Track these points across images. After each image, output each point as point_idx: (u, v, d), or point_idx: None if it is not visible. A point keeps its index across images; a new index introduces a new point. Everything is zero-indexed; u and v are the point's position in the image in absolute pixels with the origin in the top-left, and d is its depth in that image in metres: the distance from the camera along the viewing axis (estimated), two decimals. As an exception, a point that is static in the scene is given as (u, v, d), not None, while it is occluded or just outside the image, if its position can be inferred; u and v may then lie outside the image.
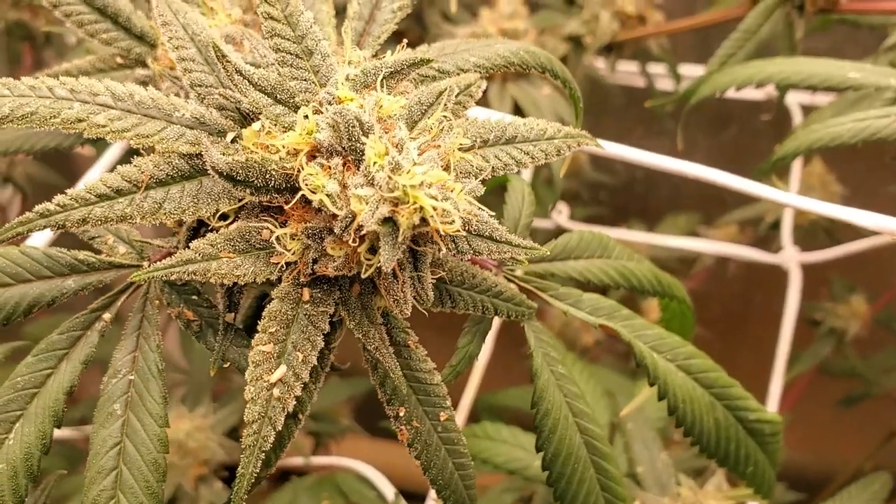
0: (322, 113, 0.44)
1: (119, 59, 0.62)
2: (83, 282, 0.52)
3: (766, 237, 1.50)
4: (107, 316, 0.52)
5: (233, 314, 0.52)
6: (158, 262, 0.45)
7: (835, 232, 1.45)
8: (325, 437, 1.40)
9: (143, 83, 0.61)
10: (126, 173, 0.45)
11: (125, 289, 0.52)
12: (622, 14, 1.15)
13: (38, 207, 0.44)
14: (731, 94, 1.06)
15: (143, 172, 0.45)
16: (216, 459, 1.17)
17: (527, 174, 1.29)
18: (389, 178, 0.40)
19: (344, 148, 0.43)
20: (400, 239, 0.41)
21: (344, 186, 0.43)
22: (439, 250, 0.48)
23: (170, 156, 0.46)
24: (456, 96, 0.54)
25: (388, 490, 1.05)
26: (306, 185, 0.42)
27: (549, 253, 0.66)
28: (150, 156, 0.46)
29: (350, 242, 0.43)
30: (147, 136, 0.45)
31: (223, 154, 0.47)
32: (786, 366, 1.26)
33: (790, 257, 1.29)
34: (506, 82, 1.10)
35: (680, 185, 2.27)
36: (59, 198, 0.44)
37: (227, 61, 0.44)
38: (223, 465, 1.20)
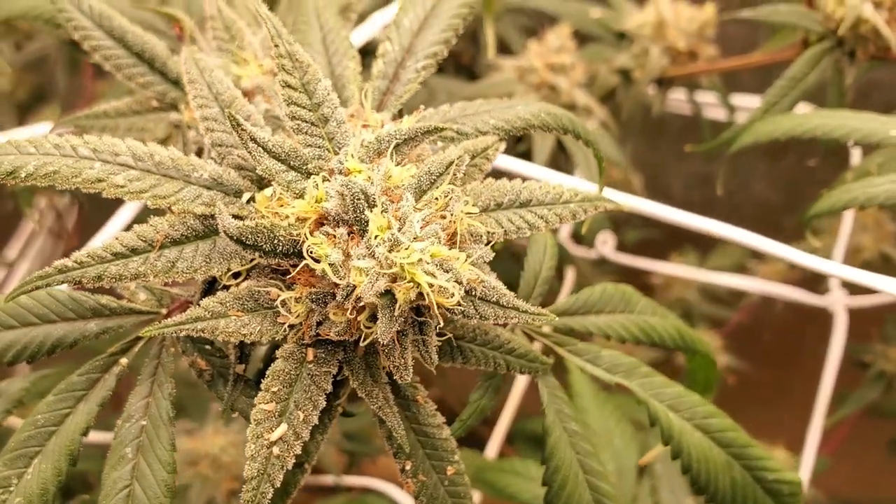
0: (331, 182, 0.45)
1: (155, 103, 0.64)
2: (104, 325, 0.54)
3: (816, 275, 1.47)
4: (124, 360, 0.54)
5: (243, 365, 0.53)
6: (169, 319, 0.46)
7: (889, 274, 1.41)
8: (359, 456, 1.42)
9: (177, 126, 0.63)
10: (142, 232, 0.47)
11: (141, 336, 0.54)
12: (672, 49, 1.14)
13: (56, 263, 0.46)
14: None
15: (158, 232, 0.47)
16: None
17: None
18: (387, 254, 0.41)
19: (349, 218, 0.44)
20: (397, 312, 0.42)
21: (347, 256, 0.44)
22: (449, 315, 0.49)
23: (185, 216, 0.48)
24: (472, 159, 0.55)
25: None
26: (310, 253, 0.43)
27: (568, 307, 0.66)
28: (167, 215, 0.48)
29: (350, 311, 0.44)
30: (164, 197, 0.47)
31: (237, 214, 0.48)
32: (827, 408, 1.23)
33: (836, 300, 1.26)
34: (549, 116, 1.09)
35: (739, 207, 2.24)
36: (76, 255, 0.46)
37: (242, 129, 0.45)
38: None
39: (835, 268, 0.70)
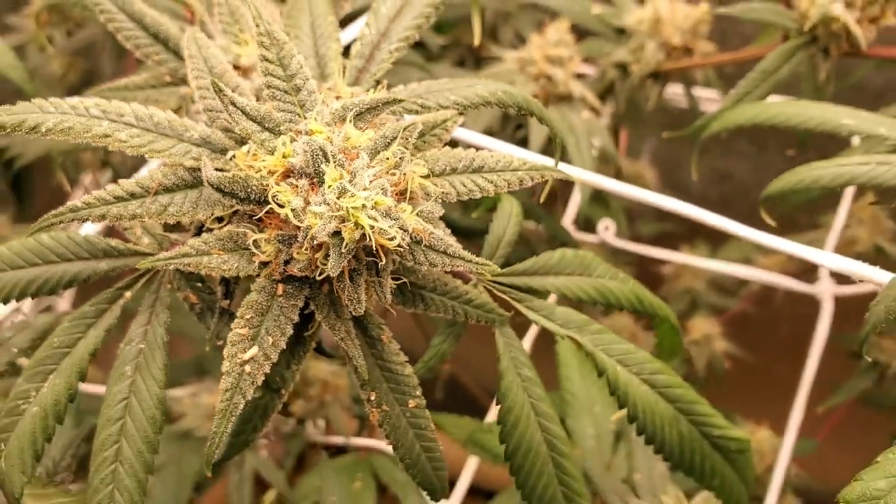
0: (298, 141, 0.54)
1: (168, 78, 0.73)
2: (113, 264, 0.63)
3: (814, 267, 1.52)
4: (128, 294, 0.63)
5: (228, 301, 0.62)
6: (161, 254, 0.55)
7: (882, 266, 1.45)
8: (367, 420, 1.51)
9: (185, 98, 0.72)
10: (140, 180, 0.56)
11: (145, 273, 0.63)
12: (668, 45, 1.21)
13: (68, 203, 0.55)
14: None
15: (153, 180, 0.55)
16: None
17: (576, 193, 1.35)
18: (336, 200, 0.49)
19: (310, 172, 0.53)
20: (344, 250, 0.50)
21: (307, 203, 0.52)
22: (401, 260, 0.57)
23: (177, 168, 0.56)
24: (432, 129, 0.63)
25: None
26: (275, 200, 0.52)
27: (528, 267, 0.74)
28: (162, 167, 0.56)
29: (309, 250, 0.52)
30: (160, 151, 0.56)
31: (221, 168, 0.57)
32: (811, 393, 1.28)
33: (825, 289, 1.31)
34: (547, 105, 1.17)
35: (757, 203, 2.28)
36: (85, 197, 0.55)
37: (223, 94, 0.54)
38: (267, 436, 1.32)
39: (819, 256, 0.76)
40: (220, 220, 0.58)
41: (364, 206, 0.49)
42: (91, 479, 0.59)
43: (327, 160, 0.52)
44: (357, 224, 0.49)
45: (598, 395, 1.14)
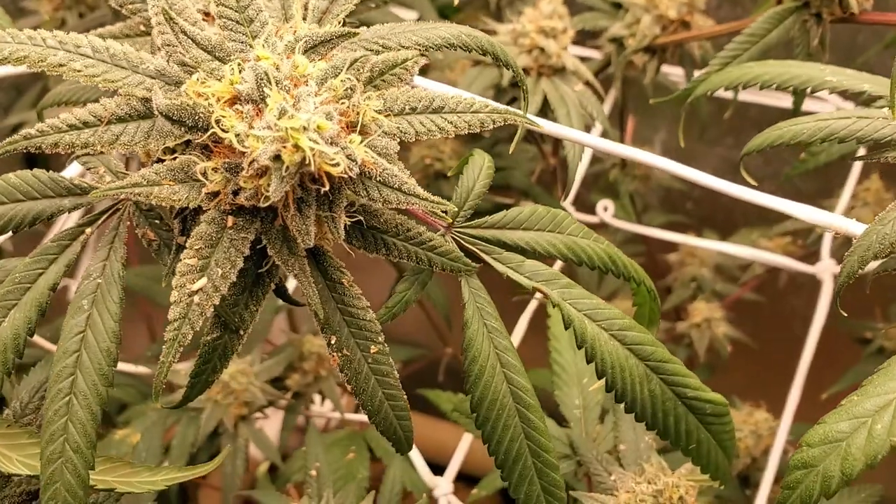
0: (246, 69, 0.54)
1: (142, 27, 0.74)
2: (76, 202, 0.64)
3: (815, 252, 1.50)
4: (88, 230, 0.63)
5: (184, 237, 0.62)
6: (113, 184, 0.55)
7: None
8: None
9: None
10: (93, 109, 0.56)
11: (106, 210, 0.63)
12: (664, 18, 1.20)
13: (22, 131, 0.55)
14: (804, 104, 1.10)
15: (106, 110, 0.56)
16: (257, 403, 1.29)
17: (578, 175, 1.33)
18: (276, 122, 0.49)
19: (256, 97, 0.53)
20: (285, 173, 0.50)
21: (252, 128, 0.52)
22: (354, 194, 0.57)
23: (130, 98, 0.57)
24: (392, 69, 0.63)
25: (414, 451, 1.13)
26: (219, 125, 0.52)
27: (497, 220, 0.73)
28: (115, 97, 0.57)
29: (253, 176, 0.52)
30: (113, 81, 0.56)
31: (170, 99, 0.57)
32: (807, 375, 1.27)
33: (825, 268, 1.29)
34: (540, 77, 1.16)
35: (771, 195, 2.25)
36: (38, 125, 0.55)
37: (174, 22, 0.54)
38: (263, 409, 1.33)
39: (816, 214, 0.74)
40: (172, 151, 0.58)
41: (305, 128, 0.49)
42: (45, 409, 0.59)
43: (271, 84, 0.52)
44: (297, 147, 0.49)
45: (587, 369, 1.13)
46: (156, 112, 0.54)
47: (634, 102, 1.65)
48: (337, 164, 0.51)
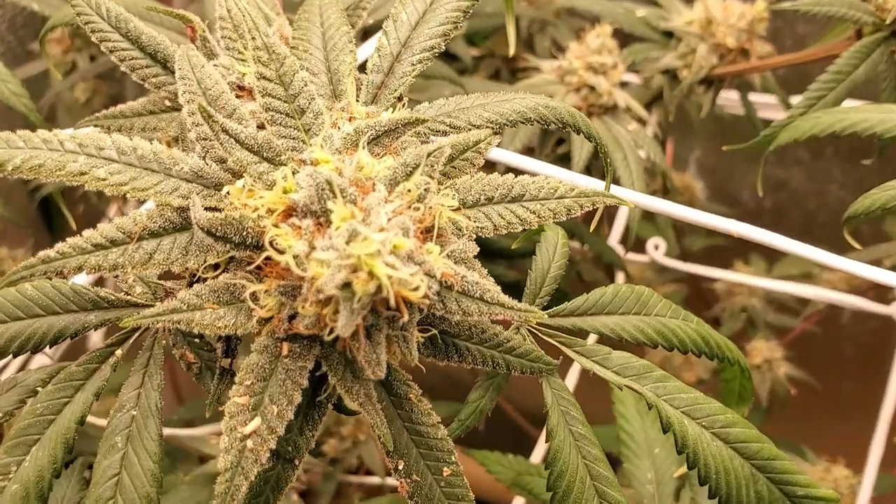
0: (301, 172, 0.45)
1: (168, 102, 0.65)
2: (103, 317, 0.55)
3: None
4: (119, 352, 0.54)
5: (229, 359, 0.53)
6: (147, 310, 0.47)
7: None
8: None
9: (187, 125, 0.64)
10: (121, 224, 0.47)
11: (138, 327, 0.55)
12: (722, 47, 1.11)
13: (40, 254, 0.47)
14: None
15: (137, 223, 0.47)
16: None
17: (623, 209, 1.24)
18: (345, 245, 0.41)
19: (316, 209, 0.44)
20: (356, 305, 0.41)
21: (312, 248, 0.43)
22: (432, 308, 0.48)
23: (164, 208, 0.48)
24: (463, 153, 0.54)
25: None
26: (274, 245, 0.43)
27: (579, 307, 0.65)
28: (147, 208, 0.48)
29: (315, 303, 0.43)
30: (143, 190, 0.48)
31: (215, 206, 0.49)
32: (891, 424, 1.17)
33: (903, 309, 1.20)
34: (591, 117, 1.07)
35: (815, 213, 2.15)
36: (59, 245, 0.47)
37: (213, 121, 0.45)
38: (300, 479, 1.24)
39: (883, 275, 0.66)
40: (215, 266, 0.49)
41: (380, 251, 0.40)
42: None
43: (335, 195, 0.43)
44: (371, 274, 0.41)
45: (658, 437, 1.04)
46: (194, 226, 0.45)
47: (672, 122, 1.56)
48: (417, 289, 0.42)
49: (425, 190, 0.46)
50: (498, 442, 1.33)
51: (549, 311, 0.64)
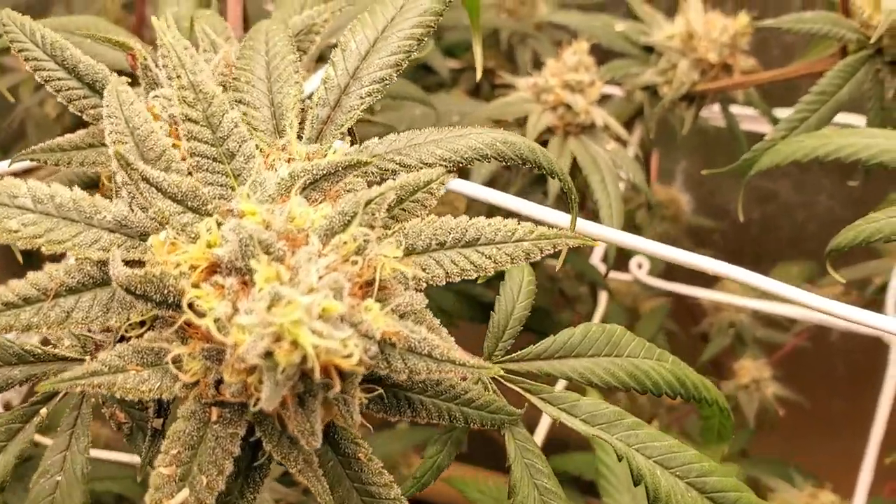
0: (226, 225, 0.41)
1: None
2: (29, 372, 0.51)
3: (875, 300, 1.37)
4: (43, 411, 0.50)
5: (162, 419, 0.49)
6: (65, 374, 0.43)
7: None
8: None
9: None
10: (35, 280, 0.43)
11: (65, 383, 0.51)
12: (703, 62, 1.07)
13: (-57, 313, 0.43)
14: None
15: (53, 279, 0.43)
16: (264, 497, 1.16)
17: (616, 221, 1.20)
18: (267, 311, 0.37)
19: (240, 267, 0.40)
20: (280, 377, 0.37)
21: (236, 311, 0.39)
22: (374, 369, 0.45)
23: (83, 262, 0.44)
24: (412, 194, 0.50)
25: None
26: (193, 307, 0.39)
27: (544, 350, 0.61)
28: (64, 262, 0.44)
29: (240, 371, 0.39)
30: (60, 242, 0.44)
31: (140, 259, 0.45)
32: (881, 445, 1.13)
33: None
34: (567, 137, 1.04)
35: (803, 225, 2.12)
36: (-35, 305, 0.43)
37: (132, 168, 0.42)
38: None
39: (846, 310, 0.63)
40: (142, 323, 0.45)
41: (305, 318, 0.37)
42: None
43: (259, 252, 0.39)
44: (295, 343, 0.37)
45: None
46: (114, 284, 0.41)
47: (656, 134, 1.53)
48: (350, 355, 0.38)
49: (365, 241, 0.42)
50: (477, 455, 1.29)
51: (514, 355, 0.60)
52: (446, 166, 0.51)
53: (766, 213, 2.18)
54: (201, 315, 0.39)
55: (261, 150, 0.51)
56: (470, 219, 0.50)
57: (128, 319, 0.44)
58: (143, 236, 0.46)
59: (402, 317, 0.45)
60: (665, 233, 1.81)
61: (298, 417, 0.42)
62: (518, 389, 0.59)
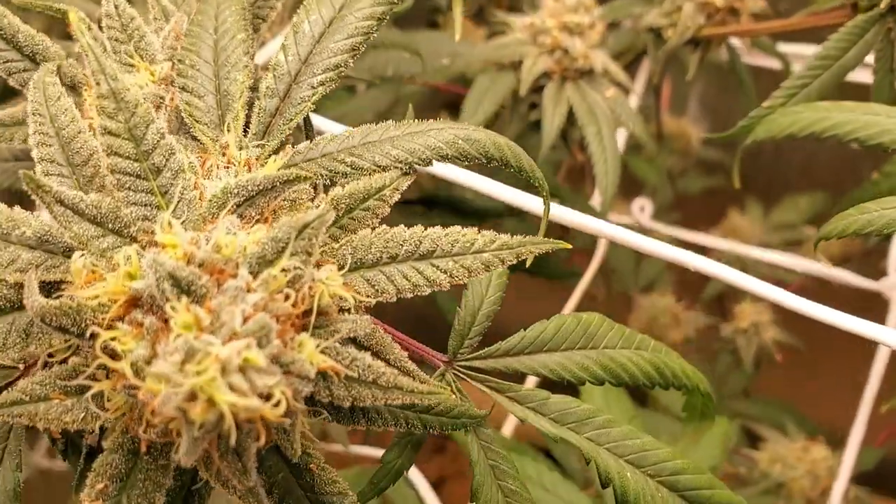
0: (147, 254, 0.38)
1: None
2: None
3: (879, 248, 1.32)
4: (-24, 421, 0.48)
5: (98, 436, 0.47)
6: (-18, 402, 0.40)
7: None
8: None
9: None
10: (-54, 304, 0.41)
11: None
12: (709, 6, 1.00)
13: None
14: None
15: (-35, 303, 0.40)
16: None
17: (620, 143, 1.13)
18: (180, 367, 0.34)
19: (161, 305, 0.37)
20: (198, 434, 0.35)
21: (154, 354, 0.36)
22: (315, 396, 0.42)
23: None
24: (364, 202, 0.46)
25: (427, 491, 1.02)
26: (107, 350, 0.36)
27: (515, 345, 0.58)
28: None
29: (159, 416, 0.37)
30: (-28, 263, 0.40)
31: (62, 280, 0.42)
32: (875, 397, 1.11)
33: (893, 285, 1.12)
34: (564, 83, 0.98)
35: (815, 153, 2.05)
36: None
37: (43, 190, 0.38)
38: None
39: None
40: (70, 346, 0.42)
41: (218, 379, 0.34)
42: None
43: (182, 292, 0.36)
44: (212, 401, 0.34)
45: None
46: (30, 313, 0.38)
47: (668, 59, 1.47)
48: (277, 405, 0.35)
49: (298, 273, 0.38)
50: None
51: (481, 352, 0.58)
52: (402, 168, 0.47)
53: (778, 144, 2.11)
54: (117, 358, 0.37)
55: (200, 149, 0.47)
56: (425, 229, 0.46)
57: (49, 346, 0.41)
58: (68, 252, 0.42)
59: (343, 343, 0.42)
60: (673, 166, 1.76)
61: (227, 460, 0.39)
62: (484, 388, 0.57)
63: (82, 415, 0.40)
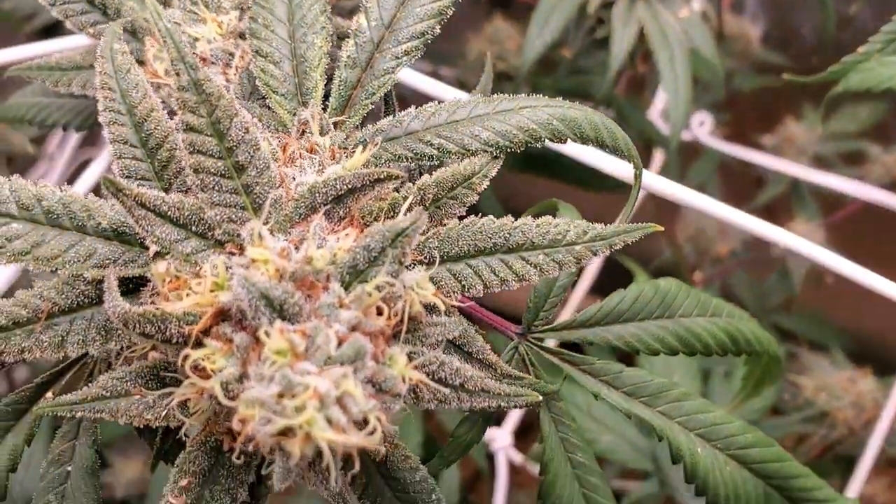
0: (236, 262, 0.36)
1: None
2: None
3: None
4: (49, 394, 0.48)
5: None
6: (64, 396, 0.39)
7: None
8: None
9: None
10: (24, 300, 0.39)
11: (74, 362, 0.47)
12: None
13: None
14: None
15: (45, 300, 0.39)
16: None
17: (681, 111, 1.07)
18: (277, 399, 0.32)
19: (251, 320, 0.35)
20: (292, 465, 0.34)
21: (245, 375, 0.35)
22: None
23: (77, 280, 0.39)
24: (451, 191, 0.44)
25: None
26: (197, 369, 0.35)
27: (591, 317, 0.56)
28: (56, 279, 0.40)
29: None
30: (49, 259, 0.39)
31: (141, 276, 0.40)
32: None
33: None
34: (634, 2, 0.92)
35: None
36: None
37: (124, 194, 0.36)
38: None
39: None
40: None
41: (316, 417, 0.32)
42: None
43: (274, 313, 0.34)
44: (309, 436, 0.33)
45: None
46: (110, 315, 0.37)
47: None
48: (373, 433, 0.34)
49: (391, 289, 0.36)
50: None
51: (556, 324, 0.56)
52: (491, 152, 0.44)
53: (841, 38, 2.01)
54: (206, 376, 0.35)
55: (276, 121, 0.44)
56: (515, 220, 0.44)
57: (129, 343, 0.40)
58: (145, 245, 0.40)
59: (432, 347, 0.40)
60: (730, 68, 1.69)
61: (320, 484, 0.38)
62: (557, 361, 0.55)
63: (164, 412, 0.40)
